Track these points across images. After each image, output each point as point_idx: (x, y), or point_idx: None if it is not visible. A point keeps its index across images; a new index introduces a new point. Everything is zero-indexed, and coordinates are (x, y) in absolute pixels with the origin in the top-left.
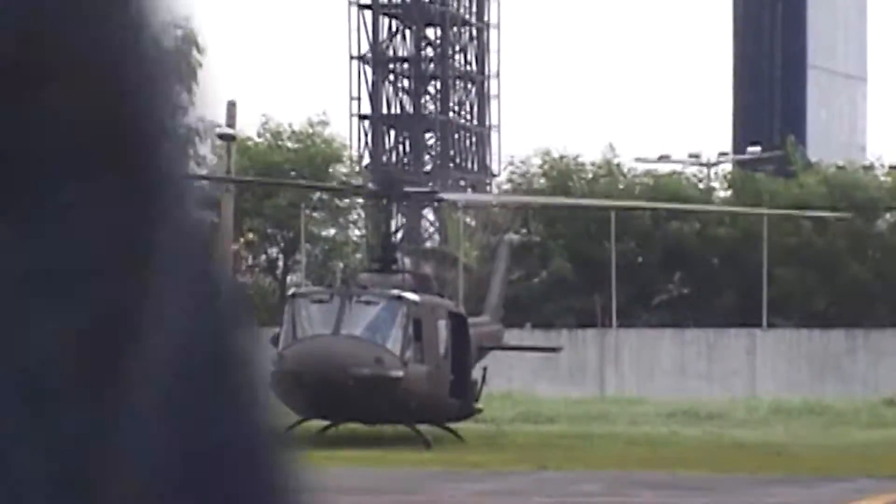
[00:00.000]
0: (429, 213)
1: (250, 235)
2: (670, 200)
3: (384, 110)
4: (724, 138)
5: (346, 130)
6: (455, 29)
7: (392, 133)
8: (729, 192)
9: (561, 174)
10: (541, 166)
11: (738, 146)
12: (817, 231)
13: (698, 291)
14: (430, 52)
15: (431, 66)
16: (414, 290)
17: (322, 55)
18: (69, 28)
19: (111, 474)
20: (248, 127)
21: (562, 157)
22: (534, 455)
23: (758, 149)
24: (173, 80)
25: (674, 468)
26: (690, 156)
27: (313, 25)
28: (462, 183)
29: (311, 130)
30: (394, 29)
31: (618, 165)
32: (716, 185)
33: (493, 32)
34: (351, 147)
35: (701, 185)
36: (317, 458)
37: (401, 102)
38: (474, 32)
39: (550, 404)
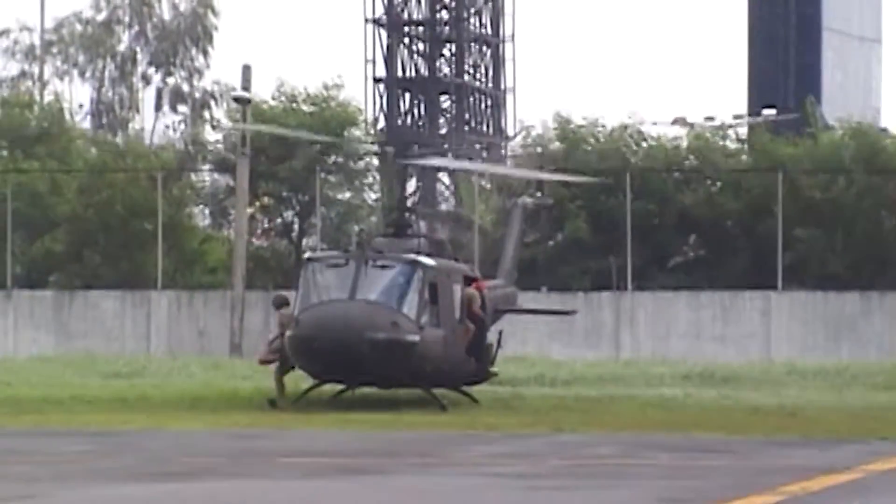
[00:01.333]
0: (444, 177)
1: (266, 198)
2: (692, 165)
3: (399, 73)
4: (739, 101)
5: (361, 94)
6: None
7: (407, 96)
8: (745, 156)
9: (576, 139)
10: (555, 129)
11: (753, 108)
12: (842, 191)
13: (714, 254)
14: (444, 14)
15: (446, 28)
16: (429, 254)
17: (337, 18)
18: None
19: None
20: (263, 90)
21: (579, 126)
22: (549, 418)
23: (773, 111)
24: None
25: (689, 430)
26: (706, 118)
27: None
28: (477, 146)
29: (326, 94)
30: None
31: (639, 131)
32: (731, 145)
33: None
34: (366, 110)
35: (727, 144)
36: (333, 421)
37: (416, 65)
38: None
39: (566, 367)
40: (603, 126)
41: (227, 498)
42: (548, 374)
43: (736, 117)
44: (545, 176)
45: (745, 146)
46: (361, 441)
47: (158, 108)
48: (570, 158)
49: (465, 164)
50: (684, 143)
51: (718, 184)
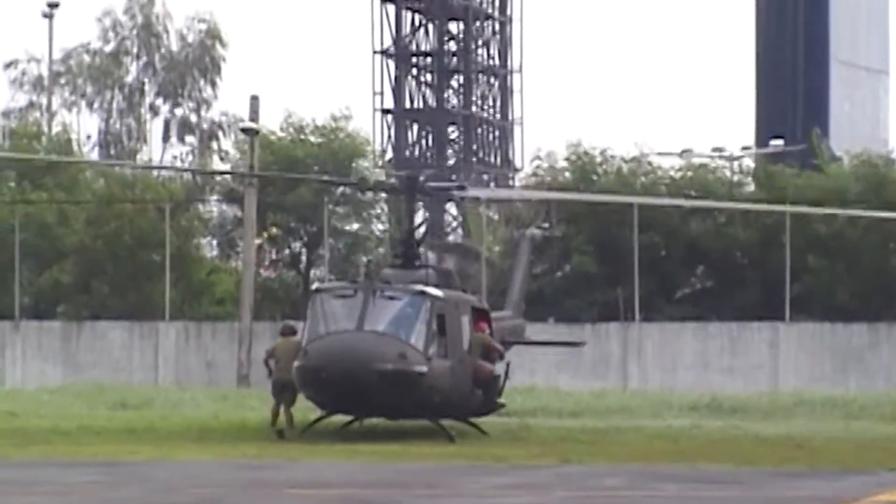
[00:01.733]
0: (451, 208)
1: (273, 229)
2: (696, 195)
3: (407, 105)
4: (746, 132)
5: (369, 125)
6: (478, 23)
7: (415, 127)
8: (752, 188)
9: (586, 168)
10: (567, 158)
11: (761, 139)
12: (848, 223)
13: (721, 285)
14: (452, 46)
15: (454, 60)
16: (437, 286)
17: (345, 50)
18: None
19: None
20: (271, 121)
21: (586, 153)
22: (556, 449)
23: (781, 142)
24: None
25: (697, 461)
26: (714, 149)
27: (336, 20)
28: (485, 177)
29: (334, 125)
30: (416, 23)
31: (649, 162)
32: (740, 178)
33: (515, 27)
34: (374, 141)
35: (731, 176)
36: (341, 452)
37: (424, 97)
38: (497, 27)
39: (573, 398)
40: (612, 157)
41: None
42: (555, 405)
43: (744, 148)
44: (583, 197)
45: (751, 178)
46: (370, 472)
47: (166, 138)
48: (581, 188)
49: (500, 192)
50: (689, 174)
51: (723, 218)
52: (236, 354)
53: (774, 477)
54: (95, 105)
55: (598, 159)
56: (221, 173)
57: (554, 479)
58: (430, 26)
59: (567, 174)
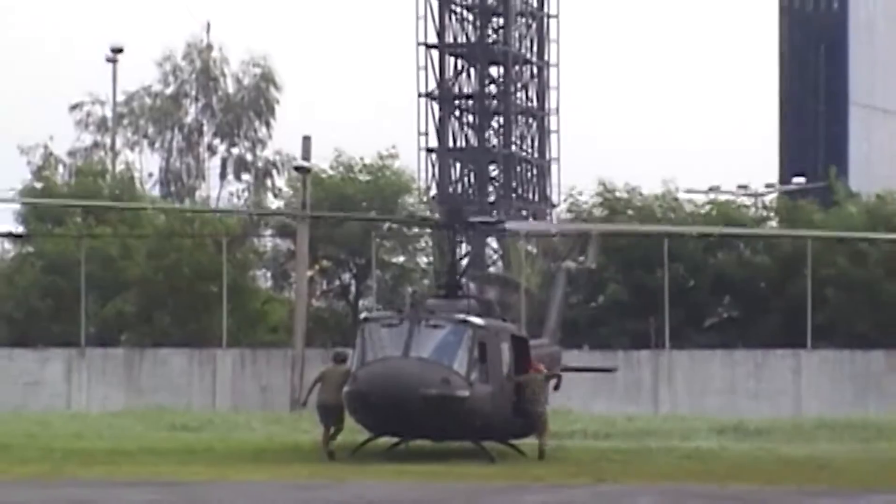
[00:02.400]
0: (492, 241)
1: (324, 262)
2: (723, 231)
3: (450, 144)
4: (770, 170)
5: (414, 163)
6: (517, 67)
7: (458, 165)
8: (776, 222)
9: (615, 206)
10: (599, 194)
11: (784, 177)
12: (859, 258)
13: (746, 314)
14: (493, 89)
15: (495, 102)
16: (478, 315)
17: (391, 92)
18: None
19: None
20: (322, 160)
21: (613, 191)
22: (591, 469)
23: (802, 180)
24: None
25: (724, 481)
26: (739, 187)
27: (382, 64)
28: (524, 213)
29: (381, 163)
30: (459, 67)
31: (675, 199)
32: (765, 213)
33: (552, 71)
34: (419, 179)
35: (752, 214)
36: (389, 472)
37: (466, 137)
38: (535, 71)
39: (607, 421)
40: (642, 194)
41: None
42: (590, 428)
43: (768, 185)
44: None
45: (774, 213)
46: (415, 491)
47: (223, 176)
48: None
49: (538, 226)
50: (714, 211)
51: (748, 251)
52: (289, 379)
53: (798, 496)
54: (156, 144)
55: (627, 196)
56: (275, 214)
57: (589, 498)
58: (472, 70)
59: (597, 212)
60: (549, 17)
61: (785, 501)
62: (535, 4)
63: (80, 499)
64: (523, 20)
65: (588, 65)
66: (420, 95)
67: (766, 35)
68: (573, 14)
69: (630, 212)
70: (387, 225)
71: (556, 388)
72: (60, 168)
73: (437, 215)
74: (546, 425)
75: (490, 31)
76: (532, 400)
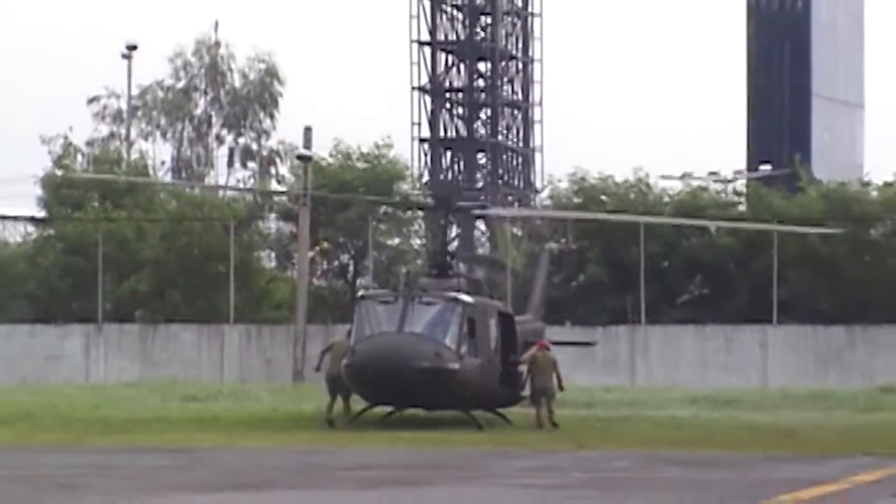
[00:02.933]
0: (480, 225)
1: (324, 244)
2: (694, 214)
3: (441, 134)
4: (739, 158)
5: (408, 152)
6: (503, 63)
7: (448, 154)
8: (744, 206)
9: (590, 193)
10: (574, 182)
11: (752, 165)
12: (821, 240)
13: (716, 292)
14: (481, 83)
15: (483, 95)
16: (468, 293)
17: (387, 87)
18: None
19: None
20: (322, 149)
21: (584, 179)
22: (572, 436)
23: (768, 167)
24: None
25: (696, 447)
26: (710, 173)
27: (379, 61)
28: (509, 198)
29: (377, 152)
30: (450, 63)
31: (647, 184)
32: (733, 199)
33: (536, 66)
34: (412, 166)
35: (722, 197)
36: (384, 439)
37: (456, 127)
38: (520, 66)
39: (587, 391)
40: (616, 182)
41: None
42: (571, 398)
43: (736, 172)
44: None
45: (743, 198)
46: (409, 456)
47: (230, 164)
48: (591, 210)
49: (522, 211)
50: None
51: (717, 234)
52: (292, 353)
53: (764, 461)
54: (168, 135)
55: (601, 185)
56: (279, 193)
57: (571, 463)
58: (462, 66)
59: (575, 199)
60: (533, 15)
61: (752, 466)
62: (520, 4)
63: (99, 464)
64: (509, 19)
65: (570, 60)
66: (413, 89)
67: (735, 33)
68: (556, 13)
69: (604, 198)
70: (382, 209)
71: (560, 386)
72: (79, 157)
73: (429, 200)
74: (553, 399)
75: (478, 29)
76: (542, 377)
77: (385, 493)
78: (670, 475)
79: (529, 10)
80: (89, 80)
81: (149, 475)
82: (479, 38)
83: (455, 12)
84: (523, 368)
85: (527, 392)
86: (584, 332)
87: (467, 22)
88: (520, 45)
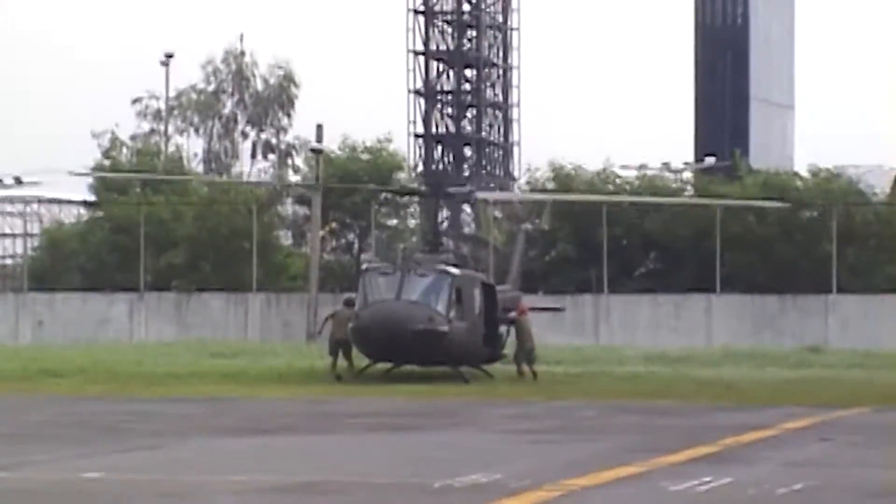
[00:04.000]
0: (467, 208)
1: (333, 224)
2: (649, 200)
3: (433, 131)
4: (687, 151)
5: (405, 146)
6: (486, 70)
7: (440, 148)
8: (691, 192)
9: (564, 180)
10: (553, 170)
11: (698, 157)
12: (757, 222)
13: (668, 266)
14: (467, 87)
15: (469, 97)
16: (456, 266)
17: (387, 90)
18: None
19: None
20: (332, 143)
21: (564, 170)
22: (546, 388)
23: (713, 159)
24: None
25: (651, 398)
26: (663, 164)
27: (380, 68)
28: (492, 185)
29: (379, 146)
30: (440, 70)
31: (612, 173)
32: (683, 185)
33: (514, 72)
34: (409, 158)
35: (673, 185)
36: (385, 391)
37: (446, 125)
38: (501, 72)
39: (558, 351)
40: (585, 170)
41: (307, 448)
42: (544, 356)
43: (685, 163)
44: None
45: (691, 186)
46: (406, 405)
47: (253, 156)
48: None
49: (502, 195)
50: (648, 183)
51: (669, 216)
52: (306, 317)
53: (709, 410)
54: (200, 131)
55: (573, 173)
56: (295, 185)
57: (543, 411)
58: (451, 72)
59: (550, 185)
60: (511, 29)
61: (699, 414)
62: (500, 20)
63: (141, 411)
64: (492, 32)
65: (544, 67)
66: (410, 92)
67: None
68: (532, 27)
69: (576, 184)
70: (383, 195)
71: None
72: (124, 150)
73: (422, 187)
74: (532, 357)
75: (465, 41)
76: (523, 338)
77: (385, 437)
78: (629, 421)
79: (509, 24)
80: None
81: (184, 421)
82: (465, 48)
83: (445, 26)
84: (503, 330)
85: (507, 351)
86: (555, 300)
87: (456, 35)
88: (500, 55)
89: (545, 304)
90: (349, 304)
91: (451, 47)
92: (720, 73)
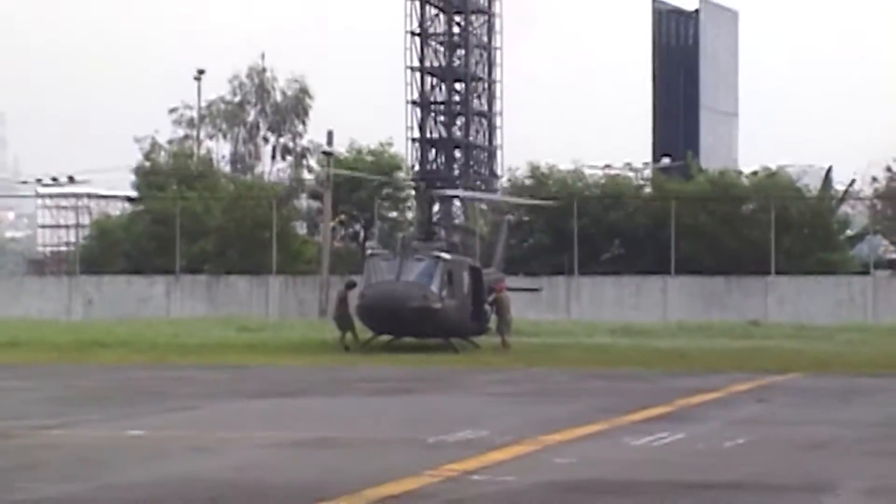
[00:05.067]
0: (457, 202)
1: (342, 216)
2: (614, 195)
3: (428, 136)
4: (646, 152)
5: (404, 149)
6: (474, 83)
7: (433, 151)
8: (650, 189)
9: (540, 179)
10: (531, 171)
11: (656, 158)
12: (707, 215)
13: (630, 252)
14: (457, 98)
15: (458, 107)
16: (447, 252)
17: (388, 101)
18: None
19: None
20: (341, 146)
21: (539, 169)
22: (524, 357)
23: (668, 160)
24: None
25: (615, 366)
26: (625, 164)
27: (382, 81)
28: (478, 183)
29: (381, 149)
30: (434, 83)
31: (583, 173)
32: (642, 183)
33: (498, 86)
34: (407, 160)
35: (634, 183)
36: (386, 359)
37: (439, 131)
38: (486, 86)
39: (535, 325)
40: (559, 170)
41: (319, 408)
42: (523, 329)
43: (644, 163)
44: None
45: (650, 182)
46: (405, 372)
47: (273, 158)
48: (537, 191)
49: (477, 194)
50: (612, 181)
51: (631, 210)
52: (318, 297)
53: (665, 376)
54: (228, 136)
55: (548, 172)
56: (308, 180)
57: (523, 377)
58: (443, 85)
59: (528, 182)
60: (495, 48)
61: (657, 379)
62: (485, 40)
63: (178, 377)
64: (478, 51)
65: (524, 80)
66: (407, 103)
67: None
68: (513, 47)
69: (550, 182)
70: (385, 191)
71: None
72: (162, 153)
73: (419, 185)
74: (510, 328)
75: (455, 59)
76: (502, 312)
77: (387, 399)
78: (597, 386)
79: (493, 44)
80: (170, 95)
81: (215, 385)
82: (455, 65)
83: (438, 46)
84: (488, 307)
85: (492, 324)
86: (533, 281)
87: (447, 53)
88: (486, 70)
89: (524, 284)
90: (350, 286)
91: (443, 64)
92: (674, 86)
